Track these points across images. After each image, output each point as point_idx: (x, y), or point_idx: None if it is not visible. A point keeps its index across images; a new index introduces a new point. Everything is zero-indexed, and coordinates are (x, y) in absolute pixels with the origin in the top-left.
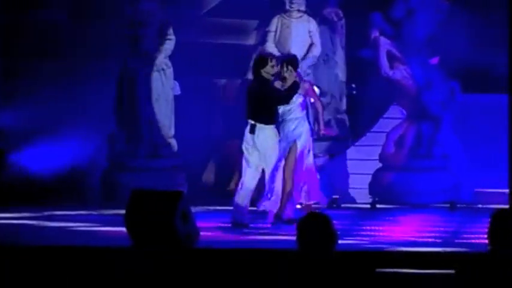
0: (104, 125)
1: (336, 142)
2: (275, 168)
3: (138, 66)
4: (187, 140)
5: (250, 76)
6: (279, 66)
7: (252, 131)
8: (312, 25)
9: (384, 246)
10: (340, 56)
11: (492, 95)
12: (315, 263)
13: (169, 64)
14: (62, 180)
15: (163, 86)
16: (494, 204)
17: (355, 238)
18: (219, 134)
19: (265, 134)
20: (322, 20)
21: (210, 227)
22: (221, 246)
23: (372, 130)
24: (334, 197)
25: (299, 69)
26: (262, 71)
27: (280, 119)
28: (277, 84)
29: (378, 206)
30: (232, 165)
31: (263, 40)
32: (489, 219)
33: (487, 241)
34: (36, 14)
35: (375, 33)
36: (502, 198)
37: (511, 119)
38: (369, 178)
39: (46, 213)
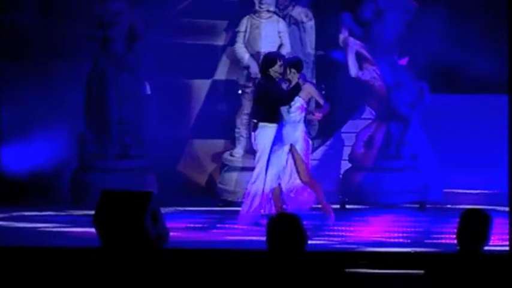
0: (74, 126)
1: None
2: (276, 175)
3: (107, 66)
4: (157, 140)
5: (219, 76)
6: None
7: (254, 129)
8: (282, 25)
9: (353, 246)
10: (309, 57)
11: (461, 95)
12: (285, 263)
13: (139, 64)
14: (32, 181)
15: (134, 86)
16: (463, 205)
17: (325, 238)
18: (189, 135)
19: (266, 131)
20: (291, 21)
21: (179, 228)
22: (191, 246)
23: (341, 130)
24: None
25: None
26: (270, 70)
27: (281, 121)
28: (284, 86)
29: (347, 206)
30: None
31: (233, 40)
32: (458, 220)
33: (456, 241)
34: (6, 15)
35: (344, 34)
36: (471, 198)
37: (511, 120)
38: (338, 178)
39: (15, 213)
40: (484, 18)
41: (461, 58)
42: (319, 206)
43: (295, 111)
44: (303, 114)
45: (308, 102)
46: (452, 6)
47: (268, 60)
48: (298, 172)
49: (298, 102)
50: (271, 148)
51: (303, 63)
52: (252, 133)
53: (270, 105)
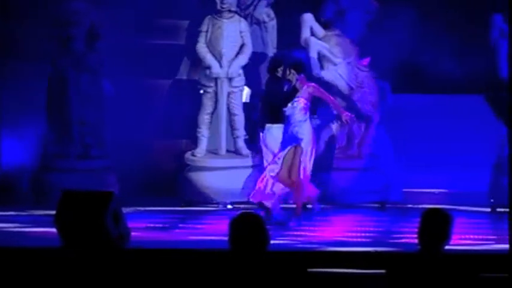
0: (36, 126)
1: None
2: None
3: (69, 66)
4: (118, 140)
5: (180, 76)
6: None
7: (262, 130)
8: (244, 25)
9: (315, 246)
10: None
11: (423, 95)
12: (247, 263)
13: (100, 64)
14: None
15: (95, 86)
16: (424, 204)
17: (287, 238)
18: (151, 135)
19: (272, 132)
20: (253, 20)
21: (141, 228)
22: (153, 246)
23: None
24: None
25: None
26: (279, 69)
27: (286, 121)
28: (286, 87)
29: (308, 206)
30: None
31: (194, 40)
32: (419, 219)
33: (417, 241)
34: None
35: (306, 34)
36: (432, 197)
37: (511, 119)
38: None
39: None
40: (447, 18)
41: (424, 58)
42: (292, 205)
43: (298, 112)
44: (308, 114)
45: (311, 100)
46: (414, 6)
47: (276, 59)
48: (290, 169)
49: (302, 103)
50: (279, 148)
51: (304, 65)
52: (261, 135)
53: (272, 106)
